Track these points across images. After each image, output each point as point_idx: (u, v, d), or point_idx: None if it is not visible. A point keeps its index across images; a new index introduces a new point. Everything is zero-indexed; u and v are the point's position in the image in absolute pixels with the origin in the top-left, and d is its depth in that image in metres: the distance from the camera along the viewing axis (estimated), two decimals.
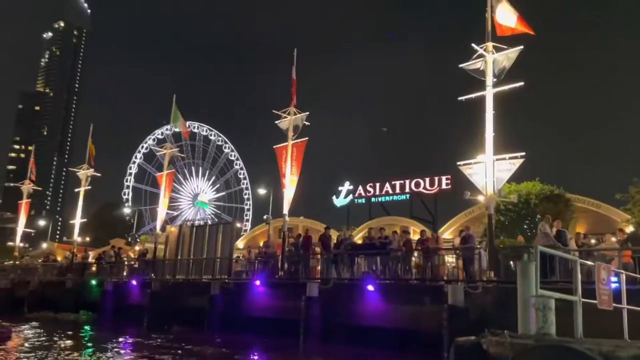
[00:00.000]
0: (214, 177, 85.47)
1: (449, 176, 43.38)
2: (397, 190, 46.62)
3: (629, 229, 21.88)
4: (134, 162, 78.72)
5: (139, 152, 78.39)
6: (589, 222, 31.22)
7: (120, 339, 20.47)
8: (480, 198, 17.13)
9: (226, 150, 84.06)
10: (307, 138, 22.07)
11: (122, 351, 17.94)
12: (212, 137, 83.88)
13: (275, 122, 22.79)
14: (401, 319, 16.23)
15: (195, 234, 25.42)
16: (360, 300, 17.59)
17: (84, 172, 31.65)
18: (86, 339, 20.73)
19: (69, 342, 18.43)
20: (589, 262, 7.66)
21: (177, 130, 58.88)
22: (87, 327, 23.61)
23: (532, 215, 26.74)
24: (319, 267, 20.69)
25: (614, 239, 16.25)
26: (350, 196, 49.18)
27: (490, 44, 16.73)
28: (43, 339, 19.91)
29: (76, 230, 32.66)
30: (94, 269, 30.69)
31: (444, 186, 43.51)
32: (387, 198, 47.52)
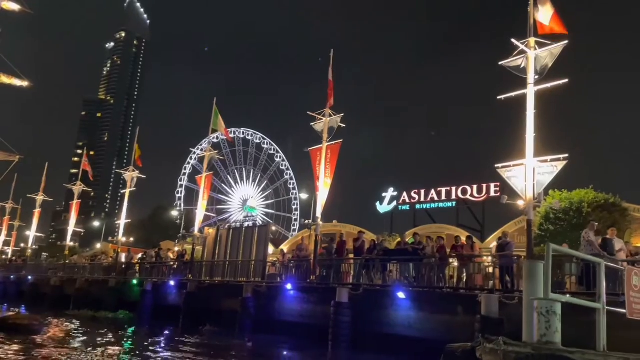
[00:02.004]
0: (264, 184, 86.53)
1: (498, 183, 41.83)
2: (443, 197, 45.49)
3: None
4: (189, 163, 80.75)
5: (194, 153, 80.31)
6: None
7: (152, 339, 20.69)
8: (520, 203, 16.08)
9: (277, 160, 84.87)
10: (341, 140, 21.67)
11: (150, 351, 18.04)
12: (265, 146, 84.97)
13: (311, 124, 22.49)
14: (432, 329, 15.47)
15: (232, 236, 25.43)
16: (391, 307, 16.95)
17: (130, 174, 32.50)
18: (119, 337, 21.03)
19: (97, 340, 18.70)
20: (617, 266, 6.82)
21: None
22: (126, 326, 24.06)
23: (584, 225, 25.10)
24: (351, 273, 20.17)
25: None
26: (394, 203, 48.38)
27: (532, 40, 15.72)
28: (76, 335, 20.42)
29: (121, 231, 33.57)
30: (137, 269, 31.39)
31: (492, 193, 42.04)
32: (433, 205, 46.43)
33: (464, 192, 43.88)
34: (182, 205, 79.72)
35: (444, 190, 45.47)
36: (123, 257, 33.77)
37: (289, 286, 20.23)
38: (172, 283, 26.03)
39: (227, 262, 24.64)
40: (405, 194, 47.96)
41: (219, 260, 25.27)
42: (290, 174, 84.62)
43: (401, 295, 16.50)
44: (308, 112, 21.90)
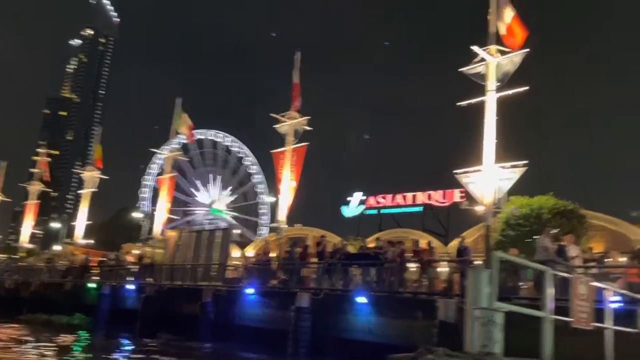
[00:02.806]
0: (232, 187, 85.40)
1: (463, 189, 42.31)
2: (409, 202, 45.77)
3: None
4: (155, 163, 78.81)
5: (160, 153, 78.52)
6: (606, 241, 29.79)
7: (108, 344, 20.06)
8: (479, 208, 16.22)
9: (246, 163, 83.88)
10: (307, 143, 21.50)
11: (104, 357, 17.45)
12: (234, 149, 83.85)
13: (274, 126, 22.25)
14: (392, 334, 15.42)
15: (194, 239, 24.90)
16: (351, 312, 16.85)
17: (89, 174, 31.54)
18: (72, 342, 20.31)
19: (48, 346, 17.99)
20: (564, 274, 6.84)
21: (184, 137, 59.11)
22: (81, 331, 23.29)
23: (544, 231, 25.53)
24: (314, 277, 19.99)
25: (623, 259, 15.21)
26: (361, 207, 48.44)
27: (493, 47, 15.94)
28: (26, 340, 19.60)
29: (79, 233, 32.54)
30: (95, 272, 30.43)
31: (457, 199, 42.48)
32: (399, 210, 46.67)
33: (430, 197, 44.28)
34: (147, 206, 78.03)
35: (410, 195, 45.80)
36: (81, 260, 32.68)
37: (249, 290, 19.92)
38: (130, 287, 25.33)
39: (188, 266, 24.10)
40: (371, 198, 48.09)
41: (180, 263, 24.71)
42: (259, 178, 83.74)
43: (362, 299, 16.41)
44: (271, 114, 21.63)
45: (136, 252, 36.93)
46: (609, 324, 6.71)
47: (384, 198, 47.31)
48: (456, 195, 42.43)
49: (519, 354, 6.31)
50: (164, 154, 28.44)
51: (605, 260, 16.51)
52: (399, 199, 46.32)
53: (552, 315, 5.65)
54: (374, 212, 47.97)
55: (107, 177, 33.18)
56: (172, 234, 25.94)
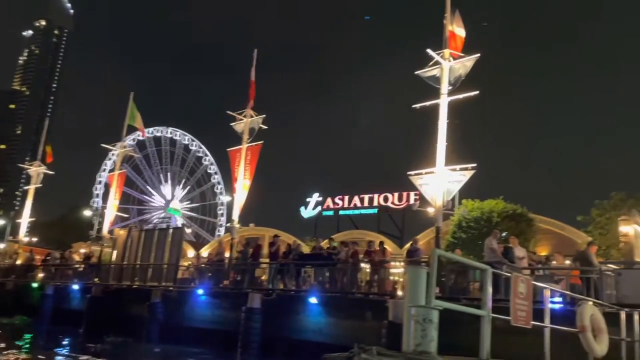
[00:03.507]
0: (189, 187, 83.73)
1: (418, 191, 42.92)
2: (366, 204, 46.20)
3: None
4: (110, 159, 76.39)
5: (114, 149, 76.26)
6: (552, 244, 30.80)
7: (49, 347, 19.20)
8: (430, 210, 16.41)
9: (205, 163, 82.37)
10: (262, 142, 21.26)
11: None
12: (193, 147, 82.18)
13: (231, 124, 21.91)
14: (342, 335, 15.35)
15: (144, 238, 24.19)
16: (303, 313, 16.72)
17: (35, 170, 30.21)
18: (11, 345, 19.31)
19: None
20: (504, 273, 6.93)
21: (143, 134, 57.64)
22: (22, 333, 22.21)
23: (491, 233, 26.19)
24: (265, 277, 19.78)
25: (568, 262, 15.66)
26: (319, 208, 48.54)
27: (447, 51, 16.17)
28: None
29: (22, 230, 31.12)
30: (38, 271, 29.16)
31: (412, 201, 43.04)
32: (356, 211, 47.03)
33: (386, 199, 44.77)
34: (100, 203, 75.56)
35: (366, 197, 46.20)
36: (24, 258, 31.25)
37: (200, 291, 19.50)
38: (75, 287, 24.38)
39: (137, 265, 23.39)
40: (329, 199, 48.25)
41: (129, 263, 23.96)
42: (218, 178, 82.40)
43: (313, 300, 16.32)
44: (227, 112, 21.29)
45: (83, 250, 35.65)
46: (547, 323, 6.81)
47: (341, 200, 47.56)
48: (412, 198, 43.00)
49: (465, 354, 6.33)
50: (115, 150, 27.43)
51: (551, 262, 17.01)
52: (356, 200, 46.66)
53: (491, 313, 5.66)
54: (331, 213, 48.17)
55: (53, 173, 31.79)
56: (121, 233, 25.12)
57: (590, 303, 7.73)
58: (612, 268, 12.36)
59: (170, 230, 23.31)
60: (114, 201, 26.45)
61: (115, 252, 25.42)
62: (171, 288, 21.12)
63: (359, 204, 46.51)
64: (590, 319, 7.51)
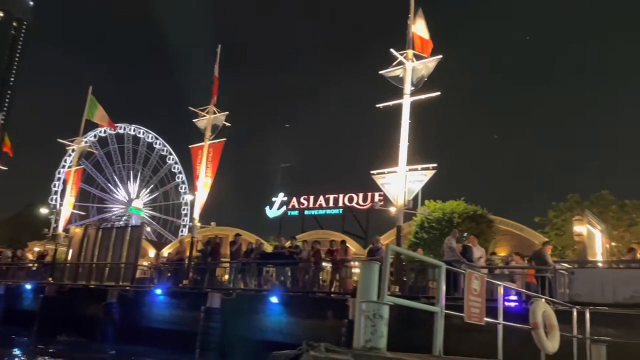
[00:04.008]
0: (153, 186, 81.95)
1: (382, 192, 43.23)
2: (331, 204, 46.30)
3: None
4: (70, 155, 73.87)
5: (72, 145, 73.90)
6: (511, 245, 31.47)
7: None
8: (392, 209, 16.49)
9: (169, 162, 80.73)
10: (224, 139, 20.93)
11: None
12: (157, 146, 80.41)
13: (193, 120, 21.51)
14: (303, 334, 15.17)
15: (101, 237, 23.50)
16: (263, 312, 16.53)
17: None
18: None
19: None
20: (458, 270, 6.96)
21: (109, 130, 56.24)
22: None
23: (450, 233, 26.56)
24: (227, 277, 19.50)
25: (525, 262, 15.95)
26: (284, 208, 48.36)
27: (410, 52, 16.27)
28: None
29: None
30: None
31: (376, 202, 43.32)
32: (321, 211, 47.09)
33: (351, 199, 44.96)
34: (59, 200, 73.13)
35: (331, 197, 46.30)
36: None
37: (158, 291, 19.07)
38: (28, 286, 23.48)
39: (94, 265, 22.70)
40: (294, 199, 48.15)
41: (85, 262, 23.23)
42: (182, 178, 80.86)
43: (274, 299, 16.15)
44: (190, 108, 20.89)
45: (37, 249, 34.38)
46: (500, 320, 6.86)
47: (306, 200, 47.51)
48: (376, 198, 43.26)
49: (424, 352, 6.31)
50: (72, 146, 26.56)
51: (510, 263, 17.33)
52: (321, 200, 46.69)
53: (444, 310, 5.65)
54: (297, 213, 48.06)
55: (6, 169, 30.57)
56: (77, 231, 24.33)
57: (543, 300, 7.85)
58: (565, 267, 12.67)
59: (129, 229, 22.71)
60: (70, 198, 25.58)
61: (71, 251, 24.59)
62: (128, 288, 20.59)
63: (324, 204, 46.59)
64: (543, 316, 7.62)
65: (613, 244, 23.78)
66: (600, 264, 14.39)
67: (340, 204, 45.59)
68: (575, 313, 9.04)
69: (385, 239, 41.85)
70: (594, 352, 8.77)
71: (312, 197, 47.40)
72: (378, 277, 4.78)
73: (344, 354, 3.89)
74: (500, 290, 7.04)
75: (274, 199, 49.38)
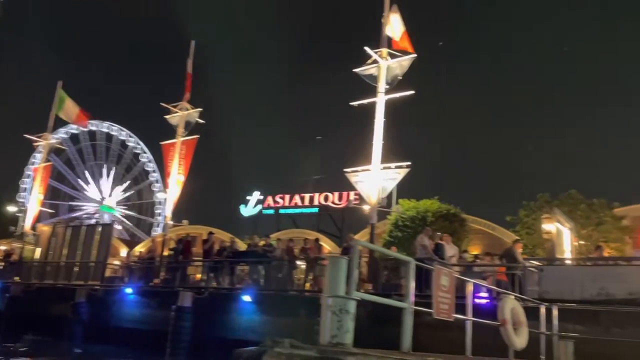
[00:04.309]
0: (126, 185, 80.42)
1: (357, 191, 43.35)
2: (307, 203, 46.12)
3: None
4: (40, 152, 71.94)
5: (41, 141, 72.16)
6: (484, 244, 31.87)
7: None
8: (365, 207, 16.48)
9: (143, 160, 79.30)
10: (197, 136, 20.63)
11: None
12: (131, 144, 78.86)
13: (165, 116, 21.17)
14: (275, 333, 14.91)
15: (70, 235, 22.96)
16: (236, 311, 16.35)
17: None
18: None
19: None
20: (427, 266, 6.97)
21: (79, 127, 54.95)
22: None
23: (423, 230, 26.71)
24: (199, 276, 19.24)
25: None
26: (259, 206, 48.04)
27: (385, 50, 16.30)
28: None
29: None
30: None
31: (352, 201, 43.41)
32: (296, 210, 46.89)
33: (326, 198, 44.89)
34: (28, 198, 71.18)
35: (307, 196, 46.15)
36: None
37: (128, 290, 18.70)
38: None
39: (62, 264, 22.16)
40: (270, 198, 47.86)
41: (53, 261, 22.67)
42: (156, 176, 79.47)
43: (247, 298, 15.99)
44: (162, 104, 20.55)
45: (3, 248, 33.42)
46: (469, 316, 6.88)
47: (282, 198, 47.25)
48: (352, 197, 43.36)
49: (393, 348, 6.27)
50: (40, 142, 25.88)
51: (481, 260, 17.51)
52: (297, 199, 46.52)
53: (412, 306, 5.62)
54: (272, 212, 47.80)
55: None
56: (45, 229, 23.72)
57: (511, 297, 7.92)
58: (535, 265, 12.85)
59: (99, 227, 22.23)
60: (37, 195, 24.91)
61: (38, 250, 23.98)
62: (98, 287, 20.16)
63: (299, 203, 46.41)
64: (511, 313, 7.68)
65: (581, 242, 24.26)
66: (568, 262, 14.65)
67: (316, 202, 45.46)
68: (543, 310, 9.14)
69: (360, 238, 41.96)
70: (561, 348, 8.88)
71: (287, 196, 47.18)
72: (346, 272, 4.72)
73: (308, 349, 3.81)
74: (469, 287, 7.07)
75: (248, 197, 49.00)
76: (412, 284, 5.77)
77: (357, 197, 42.97)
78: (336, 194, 44.31)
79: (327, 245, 40.85)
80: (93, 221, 61.54)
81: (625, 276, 11.29)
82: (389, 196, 16.12)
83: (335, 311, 4.20)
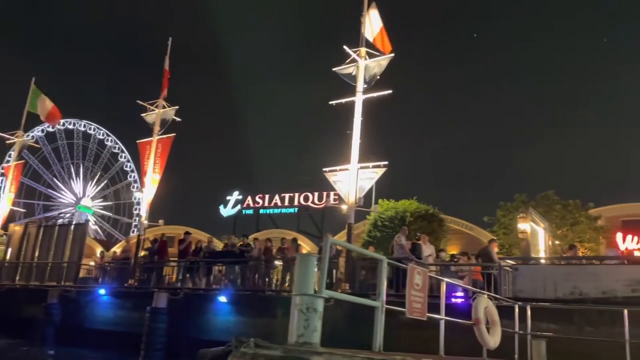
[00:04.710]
0: (103, 184, 79.08)
1: (337, 191, 43.34)
2: (286, 203, 45.92)
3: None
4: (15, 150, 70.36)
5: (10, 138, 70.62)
6: (462, 243, 32.10)
7: None
8: (343, 207, 16.43)
9: (121, 160, 78.02)
10: (174, 134, 20.36)
11: None
12: (109, 143, 77.51)
13: (142, 114, 20.83)
14: (252, 334, 14.76)
15: (43, 235, 22.45)
16: (211, 312, 16.14)
17: None
18: None
19: None
20: (400, 264, 6.92)
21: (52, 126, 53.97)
22: None
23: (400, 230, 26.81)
24: (176, 276, 18.94)
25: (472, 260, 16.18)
26: (239, 206, 47.71)
27: (363, 50, 16.26)
28: None
29: None
30: None
31: (331, 201, 43.37)
32: (276, 210, 46.66)
33: (306, 198, 44.75)
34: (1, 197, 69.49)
35: (287, 196, 45.94)
36: None
37: (102, 291, 18.35)
38: None
39: (34, 264, 21.65)
40: (249, 198, 47.57)
41: (25, 261, 22.13)
42: (134, 177, 78.17)
43: (223, 299, 15.80)
44: (138, 102, 20.21)
45: None
46: (442, 315, 6.85)
47: (261, 198, 46.98)
48: (332, 197, 43.31)
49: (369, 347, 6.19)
50: (12, 139, 25.25)
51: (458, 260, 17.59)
52: (276, 199, 46.30)
53: (385, 305, 5.55)
54: (252, 212, 47.51)
55: None
56: (16, 229, 23.15)
57: (485, 296, 7.91)
58: (510, 264, 12.93)
59: (72, 227, 21.77)
60: (9, 194, 24.30)
61: (10, 250, 23.39)
62: (71, 288, 19.73)
63: (279, 203, 46.18)
64: (485, 312, 7.68)
65: (557, 242, 24.57)
66: (543, 261, 14.79)
67: (296, 203, 45.29)
68: (517, 309, 9.17)
69: (340, 238, 41.90)
70: (534, 347, 8.92)
71: (267, 196, 46.92)
72: (315, 270, 4.64)
73: (273, 349, 3.71)
74: (443, 286, 7.03)
75: (228, 197, 48.61)
76: (384, 283, 5.71)
77: (336, 197, 42.97)
78: (316, 194, 44.20)
79: (307, 246, 40.74)
80: (66, 221, 60.46)
81: (598, 275, 11.41)
82: (369, 196, 16.07)
83: (302, 310, 4.10)
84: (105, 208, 79.30)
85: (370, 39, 16.00)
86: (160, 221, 20.85)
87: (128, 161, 78.09)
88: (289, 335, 4.33)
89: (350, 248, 9.53)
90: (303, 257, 4.63)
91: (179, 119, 20.80)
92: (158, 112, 20.33)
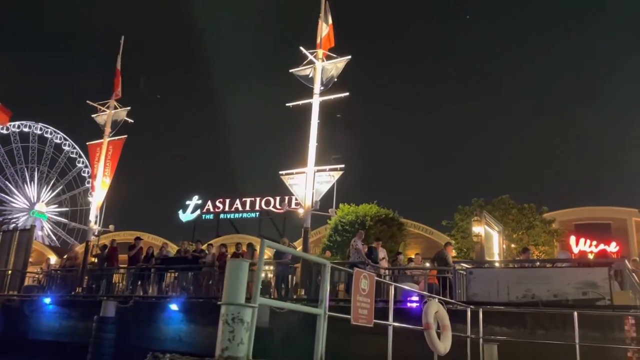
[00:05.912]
0: (59, 190, 76.22)
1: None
2: (247, 208, 45.24)
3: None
4: None
5: None
6: (422, 247, 32.26)
7: None
8: (300, 211, 16.15)
9: (79, 165, 75.39)
10: (125, 136, 19.62)
11: None
12: (66, 147, 74.80)
13: (92, 115, 20.02)
14: (204, 343, 14.45)
15: None
16: (162, 321, 15.56)
17: None
18: None
19: None
20: (347, 269, 6.67)
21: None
22: None
23: (366, 237, 26.70)
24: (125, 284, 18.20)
25: (428, 264, 16.15)
26: (198, 211, 46.77)
27: (320, 51, 16.06)
28: None
29: None
30: None
31: (293, 206, 42.99)
32: (237, 215, 45.92)
33: (267, 203, 44.20)
34: None
35: (248, 200, 45.26)
36: None
37: (47, 300, 17.45)
38: None
39: None
40: (209, 202, 46.67)
41: None
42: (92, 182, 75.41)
43: (174, 307, 15.23)
44: (88, 102, 19.41)
45: None
46: (391, 321, 6.62)
47: (222, 203, 46.14)
48: (293, 202, 42.93)
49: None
50: None
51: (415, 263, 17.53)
52: (237, 204, 45.58)
53: (327, 312, 5.26)
54: (212, 217, 46.63)
55: None
56: None
57: (436, 301, 7.74)
58: (465, 267, 12.89)
59: (17, 232, 20.68)
60: None
61: None
62: (14, 297, 18.72)
63: (240, 208, 45.46)
64: (435, 317, 7.50)
65: (512, 245, 24.91)
66: (496, 264, 14.85)
67: (257, 207, 44.67)
68: (469, 313, 9.06)
69: (300, 243, 41.66)
70: (486, 352, 8.83)
71: (227, 200, 46.10)
72: (246, 277, 4.32)
73: None
74: (391, 291, 6.80)
75: (188, 202, 47.59)
76: (327, 289, 5.42)
77: (297, 200, 42.68)
78: (278, 198, 43.73)
79: (269, 251, 40.23)
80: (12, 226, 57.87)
81: (550, 278, 11.47)
82: (330, 201, 15.83)
83: (227, 320, 3.77)
84: (60, 214, 76.61)
85: (325, 39, 15.81)
86: (111, 226, 20.00)
87: (86, 167, 75.52)
88: (216, 348, 4.00)
89: (293, 253, 9.23)
90: (232, 264, 4.30)
91: (131, 120, 20.07)
92: (109, 113, 19.58)
